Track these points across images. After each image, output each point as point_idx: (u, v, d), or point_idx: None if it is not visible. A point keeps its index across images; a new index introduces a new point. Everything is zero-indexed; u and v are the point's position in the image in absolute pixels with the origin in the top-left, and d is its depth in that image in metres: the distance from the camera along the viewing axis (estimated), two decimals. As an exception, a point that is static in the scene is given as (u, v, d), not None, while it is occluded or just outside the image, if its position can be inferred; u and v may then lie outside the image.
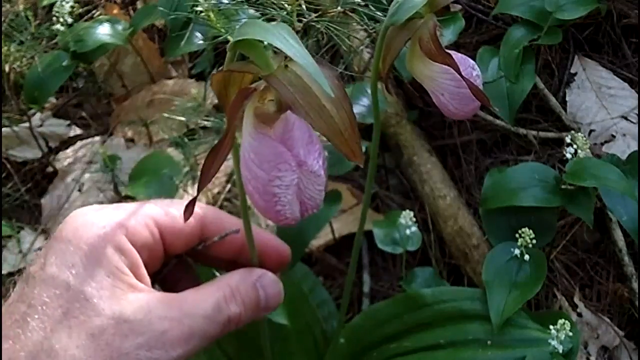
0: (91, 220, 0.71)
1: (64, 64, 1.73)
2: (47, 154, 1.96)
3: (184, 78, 2.07)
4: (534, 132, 1.59)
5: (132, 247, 0.71)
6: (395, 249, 1.40)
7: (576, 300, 1.42)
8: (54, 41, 1.80)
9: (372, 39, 1.35)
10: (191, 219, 0.78)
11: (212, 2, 1.15)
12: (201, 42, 1.65)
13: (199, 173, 1.52)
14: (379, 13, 1.12)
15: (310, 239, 1.37)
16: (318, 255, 1.65)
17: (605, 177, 1.22)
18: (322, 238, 1.65)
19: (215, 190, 1.73)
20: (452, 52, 0.80)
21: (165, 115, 1.68)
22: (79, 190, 1.87)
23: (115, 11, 2.14)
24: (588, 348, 1.35)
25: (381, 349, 1.18)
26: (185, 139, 1.59)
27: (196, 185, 1.58)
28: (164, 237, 0.77)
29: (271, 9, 1.09)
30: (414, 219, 1.38)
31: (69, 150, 1.98)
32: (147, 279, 0.73)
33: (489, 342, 1.11)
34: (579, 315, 1.39)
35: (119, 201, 1.78)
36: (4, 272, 1.64)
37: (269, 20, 1.12)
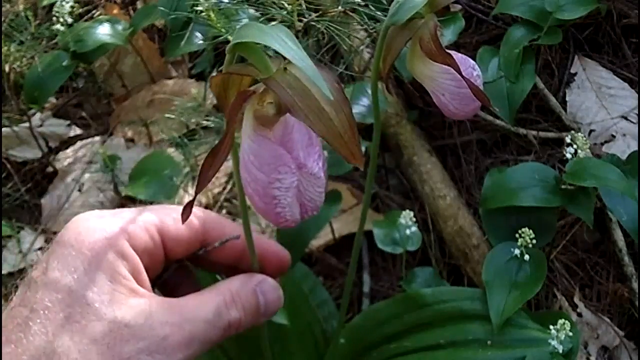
0: (93, 225, 0.71)
1: (64, 64, 1.73)
2: (47, 154, 1.96)
3: (184, 78, 2.07)
4: (534, 132, 1.59)
5: (134, 252, 0.72)
6: (395, 249, 1.40)
7: (576, 300, 1.42)
8: (54, 41, 1.80)
9: (372, 38, 1.35)
10: (192, 225, 0.79)
11: (213, 1, 1.15)
12: (201, 42, 1.65)
13: (199, 173, 1.53)
14: (379, 13, 1.12)
15: (310, 239, 1.37)
16: (318, 255, 1.65)
17: (605, 177, 1.22)
18: (322, 238, 1.65)
19: (216, 190, 1.73)
20: (452, 52, 0.80)
21: (166, 115, 1.68)
22: (79, 190, 1.87)
23: (115, 11, 2.14)
24: (588, 348, 1.35)
25: (381, 349, 1.18)
26: (185, 139, 1.59)
27: (196, 184, 1.58)
28: (165, 242, 0.77)
29: (271, 9, 1.09)
30: (414, 219, 1.38)
31: (69, 150, 1.98)
32: (148, 284, 0.73)
33: (489, 342, 1.11)
34: (579, 315, 1.39)
35: (119, 201, 1.78)
36: (4, 272, 1.64)
37: (270, 20, 1.12)
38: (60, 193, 1.88)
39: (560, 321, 1.07)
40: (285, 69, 0.59)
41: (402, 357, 1.14)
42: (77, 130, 2.06)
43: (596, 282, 1.46)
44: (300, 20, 1.11)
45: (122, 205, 1.79)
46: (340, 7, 1.12)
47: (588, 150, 1.29)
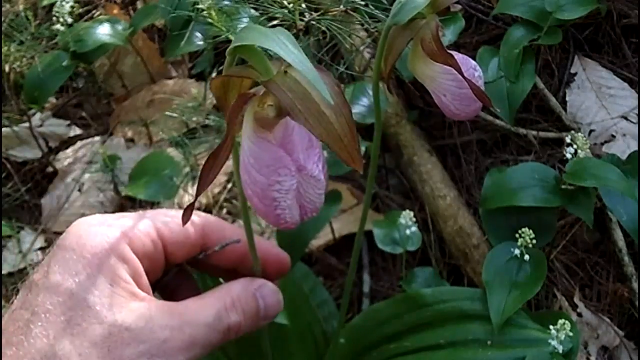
0: (94, 229, 0.72)
1: (64, 64, 1.73)
2: (47, 154, 1.96)
3: (184, 78, 2.07)
4: (534, 132, 1.59)
5: (134, 256, 0.72)
6: (395, 249, 1.40)
7: (576, 300, 1.42)
8: (54, 41, 1.80)
9: (373, 38, 1.35)
10: (193, 229, 0.79)
11: (213, 0, 1.15)
12: (201, 42, 1.64)
13: (199, 173, 1.53)
14: (380, 12, 1.12)
15: (310, 239, 1.37)
16: (318, 255, 1.65)
17: (605, 177, 1.22)
18: (322, 238, 1.65)
19: (216, 190, 1.73)
20: (453, 53, 0.80)
21: (166, 113, 1.68)
22: (79, 190, 1.87)
23: (115, 11, 2.14)
24: (588, 348, 1.35)
25: (381, 349, 1.18)
26: (185, 139, 1.59)
27: (196, 187, 1.58)
28: (165, 246, 0.77)
29: (272, 8, 1.09)
30: (414, 219, 1.38)
31: (69, 150, 1.98)
32: (149, 288, 0.74)
33: (489, 342, 1.11)
34: (579, 315, 1.40)
35: (119, 201, 1.78)
36: (4, 272, 1.64)
37: (271, 19, 1.12)
38: (60, 193, 1.88)
39: (560, 321, 1.07)
40: (285, 72, 0.59)
41: (402, 357, 1.14)
42: (77, 130, 2.06)
43: (596, 282, 1.46)
44: (301, 20, 1.11)
45: (122, 205, 1.79)
46: (341, 7, 1.12)
47: (588, 150, 1.29)
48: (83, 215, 0.75)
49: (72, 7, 1.73)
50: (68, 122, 2.07)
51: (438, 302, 1.17)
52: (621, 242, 1.42)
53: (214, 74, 1.77)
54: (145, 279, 0.73)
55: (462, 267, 1.51)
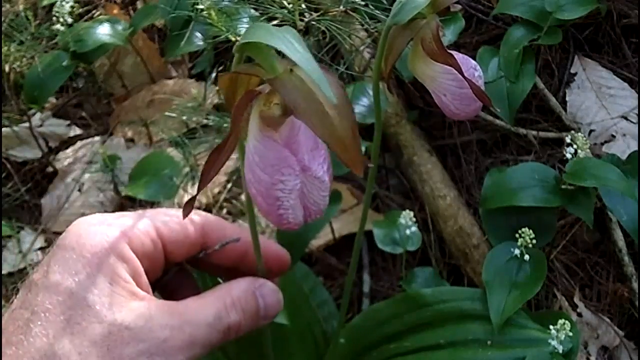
0: (94, 229, 0.72)
1: (64, 64, 1.73)
2: (47, 154, 1.96)
3: (184, 78, 2.07)
4: (534, 132, 1.59)
5: (134, 255, 0.72)
6: (395, 249, 1.40)
7: (576, 300, 1.42)
8: (54, 41, 1.80)
9: (373, 38, 1.35)
10: (192, 228, 0.79)
11: (213, 0, 1.15)
12: (201, 42, 1.64)
13: (199, 173, 1.52)
14: (380, 13, 1.12)
15: (310, 239, 1.37)
16: (318, 255, 1.65)
17: (605, 177, 1.22)
18: (322, 238, 1.65)
19: (216, 190, 1.73)
20: (453, 53, 0.80)
21: (166, 114, 1.68)
22: (79, 190, 1.87)
23: (115, 11, 2.14)
24: (588, 348, 1.35)
25: (381, 349, 1.18)
26: (185, 140, 1.59)
27: (196, 185, 1.58)
28: (165, 245, 0.77)
29: (272, 8, 1.09)
30: (414, 219, 1.38)
31: (69, 150, 1.98)
32: (148, 287, 0.74)
33: (489, 342, 1.11)
34: (579, 315, 1.40)
35: (119, 201, 1.78)
36: (4, 272, 1.64)
37: (270, 19, 1.12)
38: (60, 193, 1.88)
39: (560, 321, 1.07)
40: (291, 70, 0.59)
41: (402, 357, 1.14)
42: (77, 130, 2.06)
43: (596, 282, 1.46)
44: (301, 20, 1.11)
45: (122, 205, 1.79)
46: (341, 7, 1.12)
47: (588, 150, 1.29)
48: (83, 215, 0.75)
49: (72, 7, 1.73)
50: (68, 122, 2.07)
51: (438, 302, 1.17)
52: (621, 242, 1.42)
53: (214, 74, 1.77)
54: (144, 279, 0.73)
55: (462, 267, 1.51)
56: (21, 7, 1.88)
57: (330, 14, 1.13)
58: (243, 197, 1.74)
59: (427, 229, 1.60)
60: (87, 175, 1.89)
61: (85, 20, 1.89)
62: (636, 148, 1.46)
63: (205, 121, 1.55)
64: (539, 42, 1.50)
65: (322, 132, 0.58)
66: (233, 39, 1.19)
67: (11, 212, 1.83)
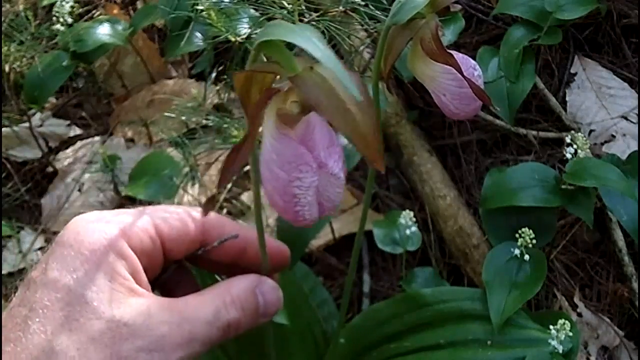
0: (92, 226, 0.71)
1: (64, 64, 1.73)
2: (47, 154, 1.96)
3: (184, 78, 2.07)
4: (534, 132, 1.59)
5: (133, 252, 0.72)
6: (395, 249, 1.40)
7: (576, 300, 1.42)
8: (54, 41, 1.80)
9: (372, 38, 1.35)
10: (192, 225, 0.79)
11: (213, 1, 1.15)
12: (201, 42, 1.64)
13: (199, 173, 1.52)
14: (379, 13, 1.12)
15: (310, 239, 1.37)
16: (318, 255, 1.65)
17: (605, 177, 1.22)
18: (322, 238, 1.65)
19: (216, 190, 1.73)
20: (453, 52, 0.80)
21: (165, 114, 1.68)
22: (79, 190, 1.87)
23: (115, 11, 2.14)
24: (588, 348, 1.35)
25: (381, 349, 1.18)
26: (185, 139, 1.59)
27: (196, 185, 1.58)
28: (164, 243, 0.77)
29: (272, 8, 1.09)
30: (414, 219, 1.38)
31: (69, 150, 1.98)
32: (147, 284, 0.73)
33: (489, 342, 1.11)
34: (579, 315, 1.40)
35: (119, 201, 1.78)
36: (4, 272, 1.64)
37: (270, 19, 1.12)
38: (60, 193, 1.88)
39: (560, 321, 1.07)
40: (311, 68, 0.60)
41: (402, 357, 1.14)
42: (77, 130, 2.06)
43: (596, 282, 1.46)
44: (300, 20, 1.11)
45: (122, 205, 1.79)
46: (340, 7, 1.12)
47: (588, 150, 1.29)
48: (83, 214, 0.75)
49: (72, 7, 1.73)
50: (68, 122, 2.07)
51: (438, 302, 1.17)
52: (621, 242, 1.42)
53: (214, 74, 1.77)
54: (143, 276, 0.73)
55: (462, 267, 1.51)
56: (21, 7, 1.88)
57: (329, 14, 1.13)
58: (243, 197, 1.74)
59: (427, 229, 1.60)
60: (87, 175, 1.89)
61: (85, 20, 1.89)
62: (636, 148, 1.46)
63: (205, 121, 1.55)
64: (539, 42, 1.50)
65: (345, 129, 0.58)
66: (233, 39, 1.19)
67: (11, 212, 1.83)
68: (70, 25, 1.73)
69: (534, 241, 1.18)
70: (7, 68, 1.79)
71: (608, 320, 1.39)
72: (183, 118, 1.68)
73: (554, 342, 1.06)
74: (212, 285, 0.76)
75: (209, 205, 0.71)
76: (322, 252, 1.66)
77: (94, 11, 2.13)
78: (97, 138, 2.00)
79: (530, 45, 1.51)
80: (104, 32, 1.77)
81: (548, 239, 1.28)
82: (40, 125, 2.04)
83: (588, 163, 1.26)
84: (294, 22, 1.08)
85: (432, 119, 1.74)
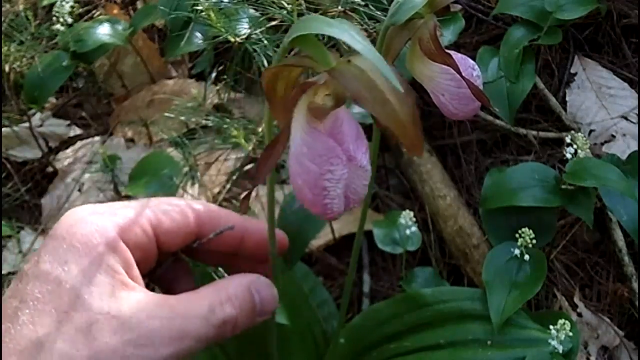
0: (85, 219, 0.71)
1: (64, 64, 1.73)
2: (47, 154, 1.96)
3: (184, 78, 2.07)
4: (534, 132, 1.59)
5: (125, 246, 0.72)
6: (395, 249, 1.40)
7: (576, 300, 1.42)
8: (54, 41, 1.80)
9: (372, 38, 1.35)
10: (186, 218, 0.79)
11: (213, 1, 1.15)
12: (201, 42, 1.64)
13: (198, 173, 1.52)
14: (378, 13, 1.12)
15: (310, 239, 1.37)
16: (318, 255, 1.65)
17: (605, 177, 1.22)
18: (322, 238, 1.65)
19: (215, 190, 1.73)
20: (452, 52, 0.80)
21: (165, 114, 1.68)
22: (79, 190, 1.87)
23: (115, 11, 2.14)
24: (588, 348, 1.35)
25: (381, 349, 1.18)
26: (185, 139, 1.59)
27: (196, 185, 1.58)
28: (158, 235, 0.77)
29: (272, 8, 1.09)
30: (414, 219, 1.38)
31: (69, 150, 1.98)
32: (140, 278, 0.73)
33: (489, 342, 1.11)
34: (579, 315, 1.39)
35: (119, 201, 1.78)
36: (4, 272, 1.64)
37: (269, 20, 1.12)
38: (60, 193, 1.88)
39: (560, 321, 1.07)
40: (348, 61, 0.60)
41: (402, 357, 1.14)
42: (77, 130, 2.06)
43: (596, 282, 1.46)
44: (300, 20, 1.11)
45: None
46: (340, 7, 1.12)
47: (588, 150, 1.29)
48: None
49: (72, 7, 1.73)
50: (68, 122, 2.07)
51: (438, 302, 1.17)
52: (621, 242, 1.42)
53: (214, 74, 1.77)
54: (135, 269, 0.72)
55: (462, 267, 1.51)
56: (21, 7, 1.88)
57: (329, 14, 1.13)
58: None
59: (427, 229, 1.60)
60: (87, 175, 1.89)
61: (85, 20, 1.89)
62: (636, 148, 1.46)
63: (205, 121, 1.55)
64: (539, 42, 1.50)
65: (385, 119, 0.59)
66: (233, 39, 1.19)
67: (11, 212, 1.83)
68: (70, 25, 1.73)
69: (534, 241, 1.18)
70: (7, 68, 1.79)
71: (608, 320, 1.39)
72: (183, 118, 1.68)
73: (554, 342, 1.06)
74: (207, 284, 0.76)
75: (244, 203, 0.72)
76: (322, 252, 1.66)
77: (94, 11, 2.13)
78: (97, 138, 2.00)
79: (530, 45, 1.51)
80: (104, 32, 1.77)
81: (548, 239, 1.28)
82: (40, 125, 2.04)
83: (588, 163, 1.26)
84: (293, 22, 1.08)
85: (431, 119, 1.74)
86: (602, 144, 1.54)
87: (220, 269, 1.08)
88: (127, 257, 0.71)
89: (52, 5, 1.78)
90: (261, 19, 1.16)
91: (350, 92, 0.60)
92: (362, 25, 1.15)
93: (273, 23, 1.13)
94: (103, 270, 0.68)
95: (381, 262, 1.65)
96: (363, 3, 1.12)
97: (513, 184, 1.29)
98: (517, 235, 1.19)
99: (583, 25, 1.67)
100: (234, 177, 1.67)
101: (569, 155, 1.28)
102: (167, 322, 0.67)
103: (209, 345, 0.71)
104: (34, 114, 2.01)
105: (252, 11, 1.23)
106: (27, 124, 1.93)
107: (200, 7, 1.15)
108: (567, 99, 1.62)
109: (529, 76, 1.49)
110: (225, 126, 1.41)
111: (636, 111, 1.56)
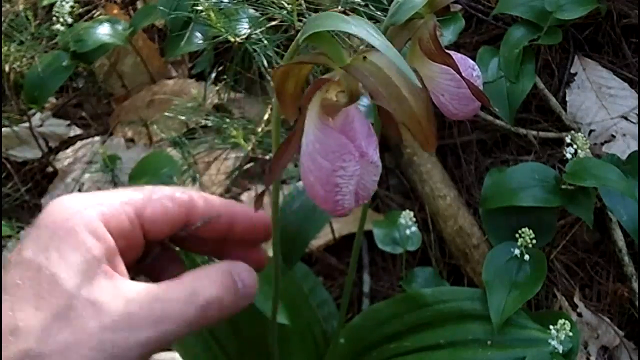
0: (69, 207, 0.71)
1: (64, 64, 1.73)
2: (47, 154, 1.96)
3: (184, 78, 2.07)
4: (534, 132, 1.59)
5: (109, 233, 0.71)
6: (395, 249, 1.40)
7: (576, 300, 1.42)
8: (54, 41, 1.80)
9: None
10: (173, 206, 0.78)
11: (213, 1, 1.15)
12: (201, 42, 1.64)
13: (198, 173, 1.52)
14: (379, 13, 1.12)
15: (310, 239, 1.37)
16: (318, 255, 1.65)
17: (605, 177, 1.22)
18: (322, 238, 1.65)
19: (215, 190, 1.73)
20: (452, 53, 0.80)
21: (165, 114, 1.68)
22: (79, 190, 1.87)
23: (115, 11, 2.14)
24: (588, 348, 1.35)
25: (381, 349, 1.18)
26: (185, 139, 1.59)
27: (196, 185, 1.58)
28: (143, 224, 0.76)
29: (271, 9, 1.09)
30: (414, 219, 1.38)
31: (69, 150, 1.98)
32: (122, 267, 0.72)
33: (489, 342, 1.11)
34: (579, 315, 1.40)
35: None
36: (3, 271, 1.64)
37: (269, 20, 1.12)
38: (60, 193, 1.88)
39: (560, 321, 1.07)
40: (364, 57, 0.61)
41: (402, 357, 1.14)
42: (77, 130, 2.06)
43: (596, 282, 1.46)
44: (300, 20, 1.11)
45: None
46: (339, 7, 1.12)
47: (588, 150, 1.29)
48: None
49: (72, 7, 1.73)
50: (68, 122, 2.07)
51: (438, 302, 1.17)
52: (621, 242, 1.42)
53: (214, 74, 1.77)
54: (119, 257, 0.71)
55: (462, 267, 1.51)
56: (21, 7, 1.88)
57: (329, 14, 1.12)
58: (243, 197, 1.74)
59: (427, 229, 1.60)
60: (87, 175, 1.89)
61: (85, 20, 1.89)
62: (636, 148, 1.46)
63: (204, 121, 1.55)
64: (539, 42, 1.50)
65: (401, 115, 0.60)
66: (232, 39, 1.19)
67: (11, 212, 1.83)
68: (70, 25, 1.73)
69: (534, 241, 1.18)
70: (7, 68, 1.79)
71: (608, 320, 1.39)
72: (183, 118, 1.68)
73: (554, 342, 1.06)
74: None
75: (259, 201, 0.73)
76: (322, 252, 1.66)
77: (94, 11, 2.13)
78: (97, 138, 2.00)
79: (530, 45, 1.51)
80: (104, 32, 1.77)
81: (548, 239, 1.28)
82: (40, 125, 2.04)
83: (588, 163, 1.26)
84: (293, 23, 1.08)
85: (432, 119, 1.74)
86: (602, 144, 1.54)
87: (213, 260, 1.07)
88: (109, 244, 0.71)
89: (52, 5, 1.78)
90: (261, 19, 1.16)
91: (366, 89, 0.61)
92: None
93: (273, 23, 1.13)
94: (84, 257, 0.67)
95: (381, 262, 1.65)
96: (363, 3, 1.12)
97: (513, 184, 1.29)
98: (517, 235, 1.19)
99: (583, 25, 1.67)
100: (233, 177, 1.67)
101: (569, 155, 1.28)
102: (146, 305, 0.66)
103: (197, 331, 0.71)
104: (34, 114, 2.01)
105: (252, 11, 1.23)
106: (27, 124, 1.92)
107: (200, 7, 1.15)
108: (567, 99, 1.62)
109: (529, 76, 1.49)
110: (225, 126, 1.41)
111: (636, 111, 1.56)
